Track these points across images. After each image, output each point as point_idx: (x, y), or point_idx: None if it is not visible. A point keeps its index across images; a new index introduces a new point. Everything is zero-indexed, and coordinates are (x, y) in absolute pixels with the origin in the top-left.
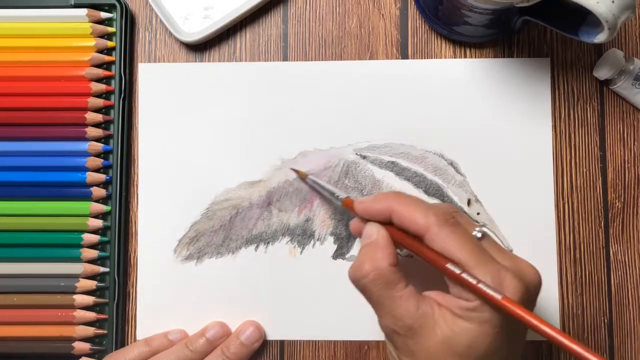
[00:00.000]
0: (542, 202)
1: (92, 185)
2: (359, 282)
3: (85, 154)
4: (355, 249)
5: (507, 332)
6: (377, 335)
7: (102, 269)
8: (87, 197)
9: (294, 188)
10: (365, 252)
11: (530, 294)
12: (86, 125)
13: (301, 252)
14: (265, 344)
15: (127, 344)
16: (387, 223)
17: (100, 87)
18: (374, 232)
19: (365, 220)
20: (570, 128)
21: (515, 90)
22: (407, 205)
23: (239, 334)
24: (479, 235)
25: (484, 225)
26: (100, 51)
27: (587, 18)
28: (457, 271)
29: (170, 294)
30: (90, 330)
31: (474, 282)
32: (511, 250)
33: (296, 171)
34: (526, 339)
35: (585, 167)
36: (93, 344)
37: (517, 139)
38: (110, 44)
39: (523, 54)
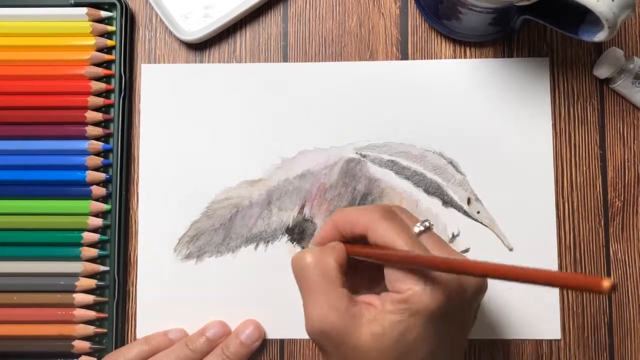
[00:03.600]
0: (543, 200)
1: (92, 184)
2: (299, 270)
3: (85, 152)
4: None
5: (442, 321)
6: None
7: (102, 268)
8: (87, 196)
9: (294, 187)
10: (308, 250)
11: (463, 291)
12: (86, 124)
13: None
14: (265, 343)
15: (127, 343)
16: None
17: (100, 85)
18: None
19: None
20: (570, 127)
21: (515, 90)
22: (348, 211)
23: (238, 333)
24: (421, 228)
25: (426, 221)
26: (100, 50)
27: (587, 17)
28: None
29: (170, 293)
30: (90, 329)
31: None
32: (511, 250)
33: None
34: (471, 326)
35: (585, 166)
36: (93, 343)
37: (517, 138)
38: (110, 42)
39: (523, 53)
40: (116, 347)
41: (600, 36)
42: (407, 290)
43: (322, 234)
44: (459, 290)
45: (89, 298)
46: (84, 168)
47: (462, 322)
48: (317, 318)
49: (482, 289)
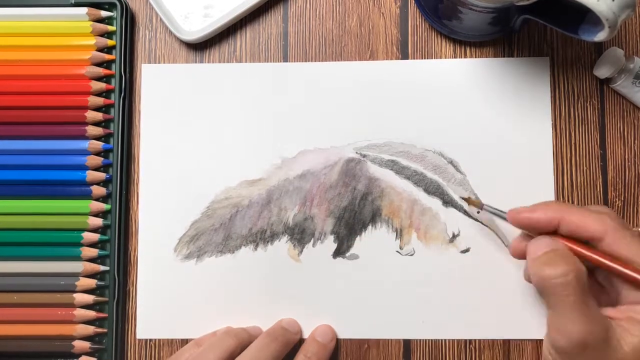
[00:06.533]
0: (543, 200)
1: (92, 184)
2: (551, 282)
3: (85, 152)
4: (355, 248)
5: None
6: (377, 333)
7: (102, 268)
8: (87, 196)
9: (294, 187)
10: (555, 256)
11: None
12: (86, 123)
13: (301, 251)
14: None
15: (127, 343)
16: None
17: (101, 85)
18: (552, 242)
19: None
20: (571, 126)
21: (516, 89)
22: (577, 212)
23: (314, 335)
24: None
25: None
26: (101, 50)
27: (587, 16)
28: None
29: (170, 293)
30: (90, 329)
31: None
32: None
33: (468, 200)
34: None
35: (586, 166)
36: (93, 343)
37: (517, 138)
38: (110, 42)
39: (523, 52)
40: (116, 347)
41: (601, 36)
42: None
43: (536, 219)
44: None
45: (89, 298)
46: (84, 168)
47: None
48: (575, 334)
49: None
